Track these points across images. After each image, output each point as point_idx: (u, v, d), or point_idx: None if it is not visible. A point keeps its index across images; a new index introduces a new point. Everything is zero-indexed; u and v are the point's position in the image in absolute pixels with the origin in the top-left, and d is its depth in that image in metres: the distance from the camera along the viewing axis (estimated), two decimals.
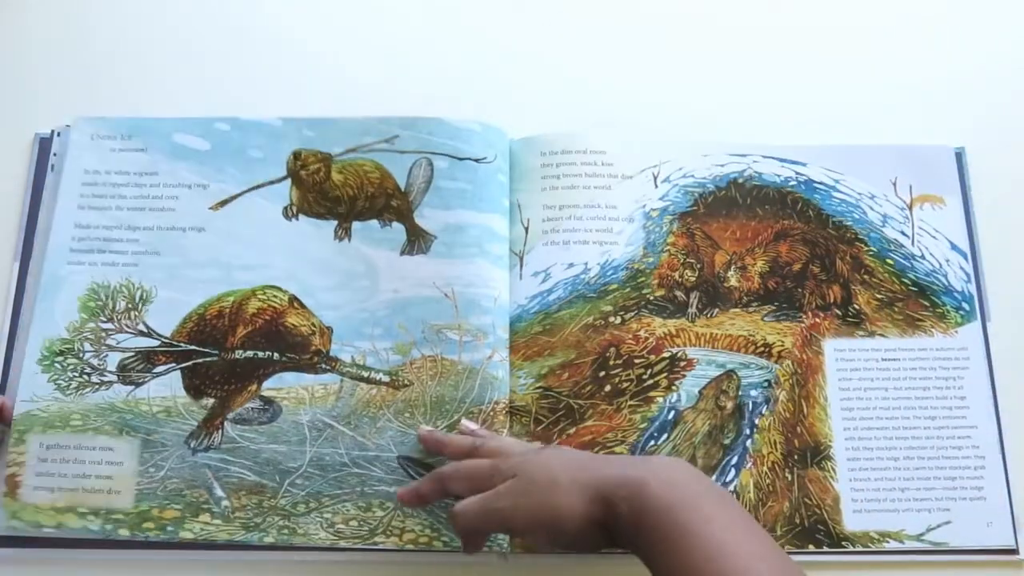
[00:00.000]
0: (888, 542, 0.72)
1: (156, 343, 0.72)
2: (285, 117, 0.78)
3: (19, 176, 0.77)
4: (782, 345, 0.76)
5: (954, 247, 0.79)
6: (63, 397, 0.70)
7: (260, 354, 0.72)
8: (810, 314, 0.77)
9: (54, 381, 0.71)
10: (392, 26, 0.85)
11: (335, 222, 0.75)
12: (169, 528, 0.68)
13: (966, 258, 0.79)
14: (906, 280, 0.78)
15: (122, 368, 0.71)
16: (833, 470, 0.73)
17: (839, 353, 0.76)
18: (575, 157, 0.79)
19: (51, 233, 0.74)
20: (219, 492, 0.69)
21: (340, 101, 0.80)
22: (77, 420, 0.70)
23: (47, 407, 0.70)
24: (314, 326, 0.73)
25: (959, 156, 0.82)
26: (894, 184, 0.80)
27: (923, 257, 0.79)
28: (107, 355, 0.72)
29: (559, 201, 0.77)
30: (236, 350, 0.72)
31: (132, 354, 0.72)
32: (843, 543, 0.71)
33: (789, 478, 0.73)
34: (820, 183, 0.80)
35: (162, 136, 0.77)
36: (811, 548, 0.71)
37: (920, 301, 0.78)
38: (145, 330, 0.72)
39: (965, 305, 0.78)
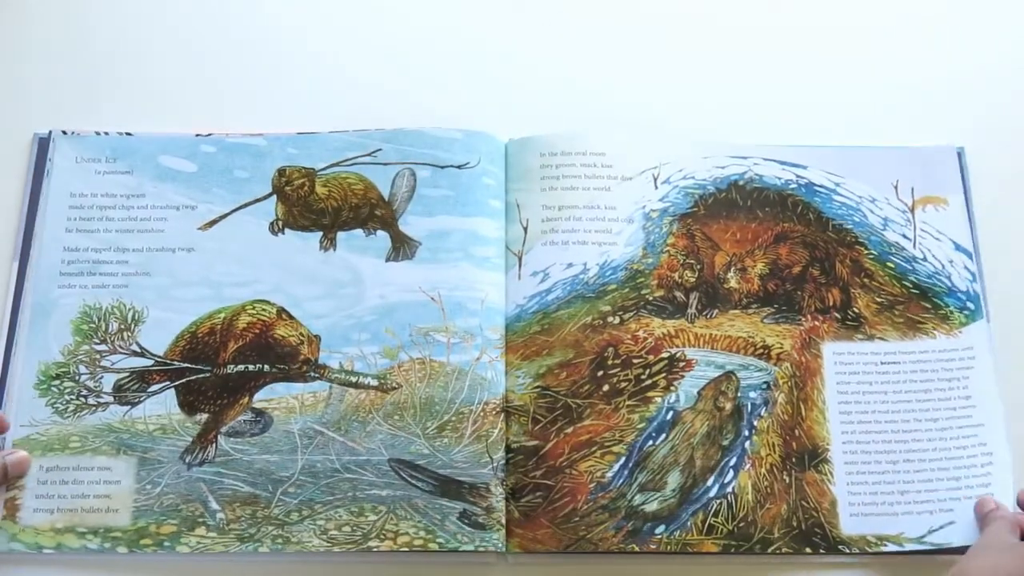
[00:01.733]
0: (886, 545, 0.71)
1: (150, 362, 0.73)
2: (269, 136, 0.79)
3: (18, 176, 0.78)
4: (781, 347, 0.75)
5: (958, 247, 0.79)
6: (61, 420, 0.71)
7: (251, 367, 0.73)
8: (809, 317, 0.76)
9: (52, 405, 0.72)
10: (392, 27, 0.87)
11: (320, 233, 0.77)
12: (166, 543, 0.68)
13: (971, 257, 0.78)
14: (907, 283, 0.78)
15: (118, 389, 0.72)
16: (831, 473, 0.72)
17: (838, 356, 0.75)
18: (575, 158, 0.79)
19: (40, 257, 0.75)
20: (214, 505, 0.69)
21: (339, 106, 0.82)
22: (76, 442, 0.71)
23: (46, 431, 0.71)
24: (302, 336, 0.73)
25: (959, 156, 0.81)
26: (895, 187, 0.80)
27: (925, 259, 0.78)
28: (102, 376, 0.73)
29: (558, 202, 0.78)
30: (228, 365, 0.73)
31: (127, 374, 0.73)
32: (840, 547, 0.70)
33: (787, 480, 0.72)
34: (821, 186, 0.80)
35: (147, 158, 0.78)
36: (808, 551, 0.70)
37: (921, 303, 0.77)
38: (139, 350, 0.73)
39: (970, 304, 0.77)
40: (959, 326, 0.76)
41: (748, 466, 0.72)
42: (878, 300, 0.77)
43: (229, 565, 0.69)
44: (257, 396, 0.72)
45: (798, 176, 0.80)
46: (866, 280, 0.78)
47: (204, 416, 0.72)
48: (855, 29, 0.87)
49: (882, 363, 0.75)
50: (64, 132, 0.79)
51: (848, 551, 0.70)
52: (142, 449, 0.71)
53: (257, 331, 0.74)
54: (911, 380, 0.75)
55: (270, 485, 0.70)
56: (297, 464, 0.70)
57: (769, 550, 0.70)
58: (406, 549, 0.68)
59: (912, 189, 0.80)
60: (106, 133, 0.79)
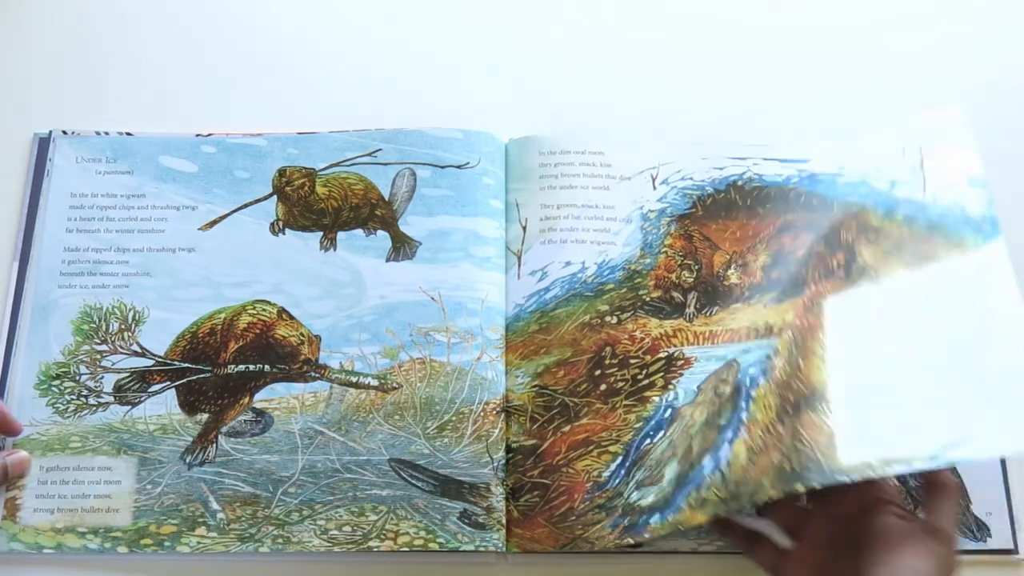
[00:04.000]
0: (892, 468, 0.60)
1: (151, 363, 0.73)
2: (269, 136, 0.79)
3: (18, 176, 0.78)
4: (783, 321, 0.71)
5: (973, 182, 0.71)
6: (62, 420, 0.71)
7: (251, 367, 0.73)
8: (813, 286, 0.71)
9: (52, 405, 0.72)
10: (392, 27, 0.87)
11: (320, 233, 0.77)
12: (166, 543, 0.68)
13: (985, 186, 0.70)
14: (917, 225, 0.71)
15: (118, 389, 0.72)
16: (828, 409, 0.64)
17: (840, 305, 0.69)
18: (573, 158, 0.79)
19: (40, 257, 0.75)
20: (214, 505, 0.69)
21: (339, 106, 0.82)
22: (76, 442, 0.71)
23: (46, 431, 0.71)
24: (303, 336, 0.73)
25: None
26: (903, 152, 0.74)
27: (936, 201, 0.71)
28: (103, 376, 0.73)
29: (557, 201, 0.78)
30: (228, 365, 0.73)
31: (127, 375, 0.73)
32: (838, 476, 0.60)
33: (782, 431, 0.65)
34: (823, 174, 0.77)
35: (148, 159, 0.78)
36: (799, 488, 0.61)
37: (933, 239, 0.70)
38: (139, 350, 0.73)
39: (986, 226, 0.69)
40: (975, 247, 0.68)
41: (743, 434, 0.67)
42: (885, 248, 0.71)
43: (229, 565, 0.69)
44: (257, 396, 0.72)
45: (799, 171, 0.79)
46: (873, 236, 0.71)
47: (204, 416, 0.72)
48: (856, 29, 0.87)
49: (889, 296, 0.68)
50: (64, 132, 0.79)
51: (847, 479, 0.61)
52: (142, 449, 0.71)
53: (257, 331, 0.74)
54: (924, 301, 0.67)
55: (270, 485, 0.70)
56: (297, 464, 0.70)
57: (760, 500, 0.64)
58: (406, 549, 0.68)
59: (920, 148, 0.74)
60: (106, 133, 0.79)
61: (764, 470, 0.64)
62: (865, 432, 0.63)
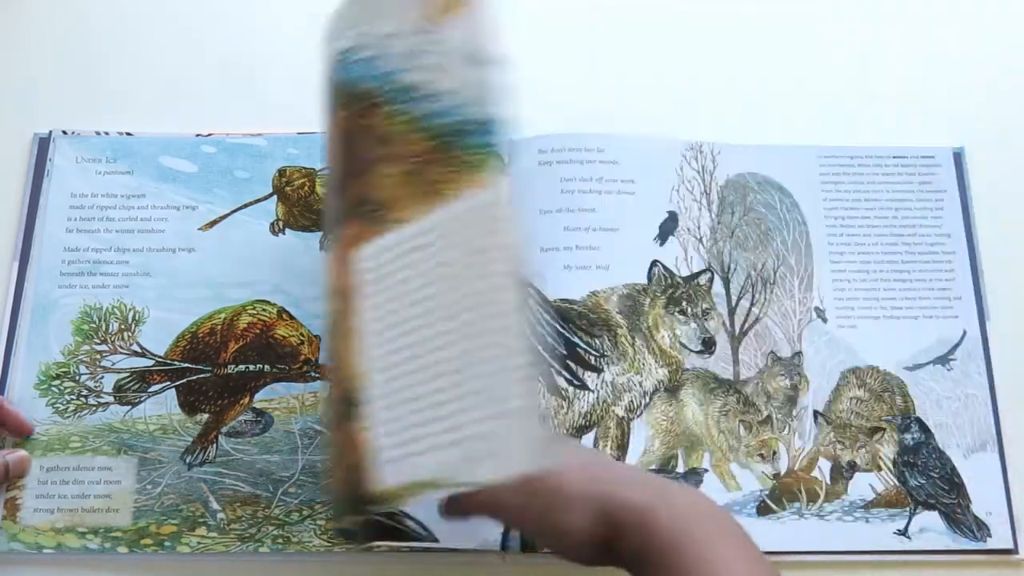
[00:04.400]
0: (422, 495, 0.50)
1: (150, 363, 0.73)
2: (269, 136, 0.79)
3: (18, 176, 0.78)
4: (329, 277, 0.56)
5: (476, 60, 0.52)
6: (62, 420, 0.71)
7: (251, 367, 0.73)
8: (344, 226, 0.55)
9: (52, 405, 0.72)
10: None
11: (320, 233, 0.77)
12: (167, 543, 0.68)
13: (496, 66, 0.53)
14: (429, 129, 0.53)
15: (118, 389, 0.72)
16: (368, 417, 0.52)
17: (370, 262, 0.54)
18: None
19: (40, 257, 0.75)
20: (215, 505, 0.69)
21: None
22: (76, 442, 0.71)
23: (46, 431, 0.71)
24: (303, 336, 0.73)
25: (958, 156, 0.81)
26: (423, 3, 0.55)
27: (443, 95, 0.53)
28: (103, 376, 0.73)
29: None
30: (228, 365, 0.73)
31: (127, 375, 0.73)
32: (370, 506, 0.51)
33: (340, 439, 0.53)
34: (346, 53, 0.55)
35: (148, 159, 0.78)
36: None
37: (441, 155, 0.53)
38: (139, 350, 0.73)
39: (490, 138, 0.51)
40: (487, 172, 0.51)
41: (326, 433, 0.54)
42: (398, 170, 0.53)
43: (230, 565, 0.69)
44: (257, 396, 0.72)
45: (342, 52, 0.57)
46: (387, 149, 0.54)
47: (205, 416, 0.72)
48: (853, 28, 0.87)
49: (410, 251, 0.53)
50: (64, 132, 0.79)
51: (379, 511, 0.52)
52: (143, 449, 0.71)
53: (257, 331, 0.74)
54: (436, 266, 0.52)
55: (271, 485, 0.70)
56: (298, 464, 0.70)
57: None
58: (406, 549, 0.68)
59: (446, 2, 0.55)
60: (106, 133, 0.79)
61: (338, 492, 0.54)
62: (400, 450, 0.51)
